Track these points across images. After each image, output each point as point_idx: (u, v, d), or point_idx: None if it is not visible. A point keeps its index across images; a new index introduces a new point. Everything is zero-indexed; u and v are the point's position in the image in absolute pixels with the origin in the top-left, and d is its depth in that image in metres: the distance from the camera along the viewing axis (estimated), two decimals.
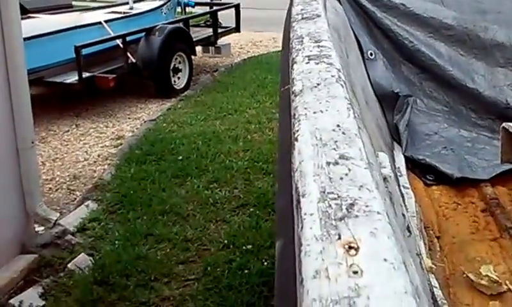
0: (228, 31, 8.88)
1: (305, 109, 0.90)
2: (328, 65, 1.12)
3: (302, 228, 0.58)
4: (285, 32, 1.72)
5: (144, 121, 6.17)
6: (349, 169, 0.69)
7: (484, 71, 2.82)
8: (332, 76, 1.05)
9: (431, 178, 2.41)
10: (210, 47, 8.89)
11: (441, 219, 2.14)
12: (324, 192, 0.64)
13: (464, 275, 1.76)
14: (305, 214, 0.61)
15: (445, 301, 1.56)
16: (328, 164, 0.70)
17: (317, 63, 1.14)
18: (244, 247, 3.48)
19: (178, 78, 7.21)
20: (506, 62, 2.82)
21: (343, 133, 0.79)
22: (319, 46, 1.27)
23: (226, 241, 3.60)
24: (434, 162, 2.46)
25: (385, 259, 0.52)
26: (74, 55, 5.88)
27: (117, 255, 3.37)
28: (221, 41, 8.95)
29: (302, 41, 1.33)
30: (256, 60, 8.89)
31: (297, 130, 0.83)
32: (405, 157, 2.51)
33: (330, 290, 0.50)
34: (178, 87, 7.15)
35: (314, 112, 0.88)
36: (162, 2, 8.08)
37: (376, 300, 0.48)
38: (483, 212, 2.18)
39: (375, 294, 0.49)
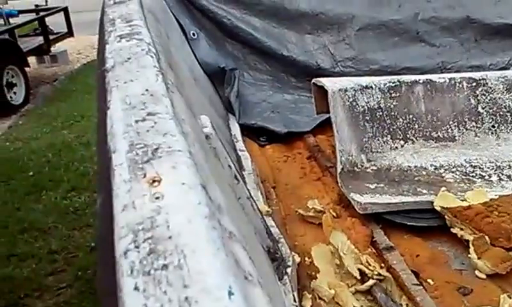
0: (61, 37, 8.52)
1: (116, 81, 0.96)
2: (138, 41, 1.19)
3: (114, 177, 0.66)
4: (100, 20, 1.74)
5: None
6: (155, 122, 0.78)
7: (296, 39, 3.18)
8: (142, 50, 1.12)
9: (263, 140, 2.73)
10: (46, 57, 8.48)
11: (275, 172, 2.45)
12: (132, 144, 0.72)
13: (297, 213, 2.05)
14: (115, 165, 0.68)
15: (281, 236, 1.80)
16: (137, 121, 0.79)
17: (128, 40, 1.20)
18: None
19: (15, 93, 6.83)
20: (312, 29, 3.21)
21: (151, 95, 0.88)
22: (130, 25, 1.33)
23: (93, 243, 3.63)
24: (264, 124, 2.77)
25: (183, 183, 0.62)
26: None
27: None
28: (56, 48, 8.59)
29: (114, 23, 1.38)
30: (96, 63, 8.66)
31: (109, 100, 0.89)
32: (240, 125, 2.78)
33: (135, 215, 0.56)
34: (16, 103, 6.78)
35: (125, 82, 0.95)
36: None
37: (174, 213, 0.57)
38: (308, 159, 2.53)
39: (173, 208, 0.56)
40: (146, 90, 0.88)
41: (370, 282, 1.51)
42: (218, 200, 0.67)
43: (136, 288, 0.44)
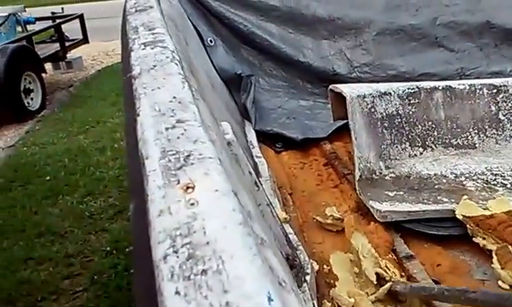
0: (76, 43, 8.61)
1: (144, 88, 0.99)
2: (162, 48, 1.22)
3: (147, 183, 0.67)
4: (122, 27, 1.77)
5: (3, 149, 5.87)
6: (185, 130, 0.80)
7: (312, 45, 3.17)
8: (167, 57, 1.15)
9: (279, 146, 2.72)
10: (61, 63, 8.57)
11: (292, 178, 2.44)
12: (164, 151, 0.73)
13: (314, 220, 2.04)
14: (149, 171, 0.69)
15: (300, 243, 1.79)
16: (167, 129, 0.81)
17: (152, 48, 1.23)
18: (127, 250, 3.56)
19: (32, 99, 6.91)
20: (329, 34, 3.20)
21: (179, 102, 0.90)
22: (153, 33, 1.36)
23: (109, 248, 3.65)
24: (280, 130, 2.77)
25: (216, 190, 0.62)
26: None
27: None
28: (72, 55, 8.68)
29: (137, 30, 1.41)
30: (111, 69, 8.76)
31: (138, 107, 0.91)
32: (256, 131, 2.77)
33: (172, 221, 0.57)
34: (33, 109, 6.86)
35: (152, 90, 0.97)
36: None
37: (209, 219, 0.57)
38: (325, 166, 2.51)
39: (208, 215, 0.57)
40: (174, 97, 0.90)
41: (388, 285, 1.49)
42: (248, 207, 0.68)
43: (177, 293, 0.44)
